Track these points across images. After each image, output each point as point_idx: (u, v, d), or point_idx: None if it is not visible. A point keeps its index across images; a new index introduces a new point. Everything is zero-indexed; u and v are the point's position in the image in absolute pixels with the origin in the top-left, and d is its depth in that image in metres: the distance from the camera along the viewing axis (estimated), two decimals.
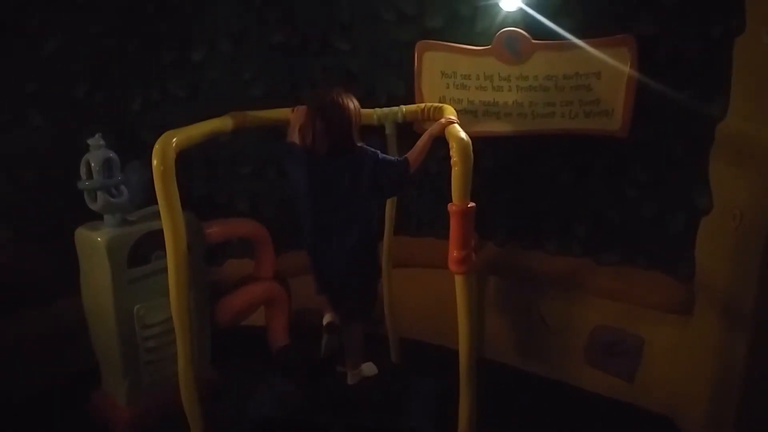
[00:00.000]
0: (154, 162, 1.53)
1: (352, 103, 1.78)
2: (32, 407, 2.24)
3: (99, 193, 1.98)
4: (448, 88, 2.21)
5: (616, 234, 2.23)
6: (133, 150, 2.06)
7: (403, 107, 2.01)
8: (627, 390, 2.29)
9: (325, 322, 1.94)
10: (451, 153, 1.56)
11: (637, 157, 2.11)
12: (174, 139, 1.57)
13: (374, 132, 1.95)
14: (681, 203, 2.06)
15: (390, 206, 2.19)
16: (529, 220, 2.38)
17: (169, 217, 1.58)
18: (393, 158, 1.80)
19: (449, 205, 1.59)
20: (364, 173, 1.74)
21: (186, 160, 1.68)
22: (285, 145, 1.88)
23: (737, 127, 1.85)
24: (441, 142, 1.67)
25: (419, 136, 1.84)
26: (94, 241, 1.98)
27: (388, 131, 2.02)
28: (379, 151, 1.78)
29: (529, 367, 2.52)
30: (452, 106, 1.95)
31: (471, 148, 1.55)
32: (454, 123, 1.72)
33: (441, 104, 1.97)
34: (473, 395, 1.71)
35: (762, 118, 1.73)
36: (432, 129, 1.77)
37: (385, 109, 1.97)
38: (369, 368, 2.04)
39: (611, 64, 1.96)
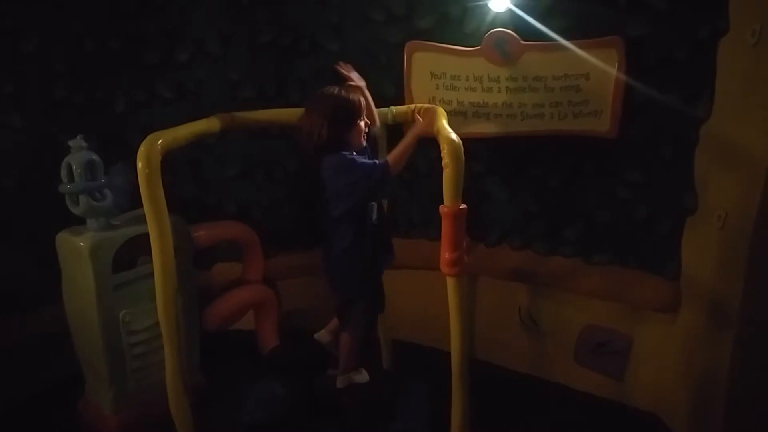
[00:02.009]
0: (140, 164, 1.50)
1: (341, 98, 1.71)
2: (16, 416, 2.18)
3: (81, 197, 1.93)
4: (437, 89, 2.20)
5: (605, 234, 2.25)
6: (118, 152, 2.01)
7: (393, 108, 2.00)
8: (615, 388, 2.32)
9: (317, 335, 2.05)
10: (442, 154, 1.56)
11: (625, 158, 2.12)
12: (160, 141, 1.54)
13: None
14: (668, 203, 2.08)
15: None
16: (520, 221, 2.39)
17: (155, 221, 1.54)
18: (369, 162, 1.74)
19: (441, 207, 1.59)
20: (332, 177, 1.70)
21: (172, 162, 1.65)
22: None
23: (721, 127, 1.87)
24: (433, 143, 1.67)
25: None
26: (76, 246, 1.93)
27: (378, 132, 2.00)
28: (355, 155, 1.72)
29: (519, 368, 2.53)
30: (442, 107, 1.94)
31: (462, 149, 1.55)
32: (437, 124, 1.69)
33: (431, 105, 1.97)
34: (466, 396, 1.71)
35: (745, 118, 1.76)
36: (416, 129, 1.76)
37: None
38: (360, 375, 2.03)
39: (599, 66, 1.98)
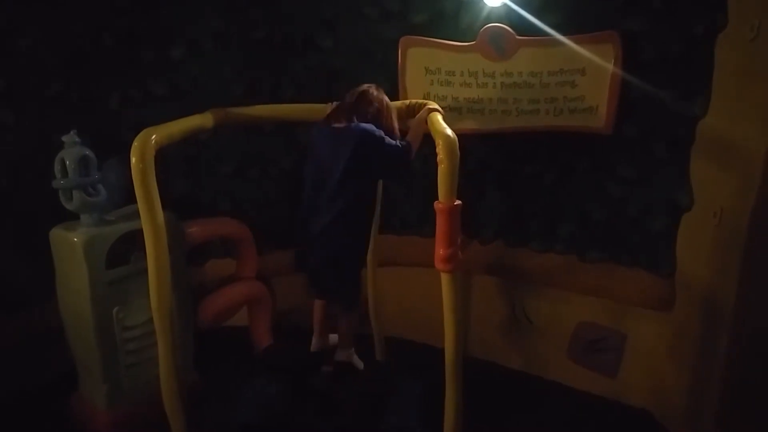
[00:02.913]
0: (133, 160, 1.49)
1: (382, 95, 1.87)
2: (9, 411, 2.17)
3: (75, 192, 1.92)
4: (432, 84, 2.19)
5: (600, 231, 2.25)
6: (112, 148, 2.00)
7: None
8: (609, 385, 2.32)
9: (312, 347, 2.11)
10: (437, 150, 1.55)
11: (621, 155, 2.12)
12: (153, 137, 1.53)
13: None
14: (663, 200, 2.08)
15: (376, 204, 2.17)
16: (515, 217, 2.39)
17: (149, 217, 1.54)
18: (395, 141, 1.81)
19: (436, 203, 1.58)
20: (358, 148, 1.74)
21: (166, 158, 1.64)
22: None
23: (717, 124, 1.87)
24: (428, 139, 1.66)
25: (403, 132, 1.83)
26: (70, 242, 1.92)
27: None
28: (385, 135, 1.78)
29: (513, 364, 2.53)
30: (437, 103, 1.93)
31: (457, 145, 1.55)
32: (436, 111, 1.77)
33: (426, 101, 1.96)
34: (459, 393, 1.71)
35: (741, 115, 1.75)
36: (420, 116, 1.82)
37: None
38: (356, 360, 2.07)
39: (595, 61, 1.97)
